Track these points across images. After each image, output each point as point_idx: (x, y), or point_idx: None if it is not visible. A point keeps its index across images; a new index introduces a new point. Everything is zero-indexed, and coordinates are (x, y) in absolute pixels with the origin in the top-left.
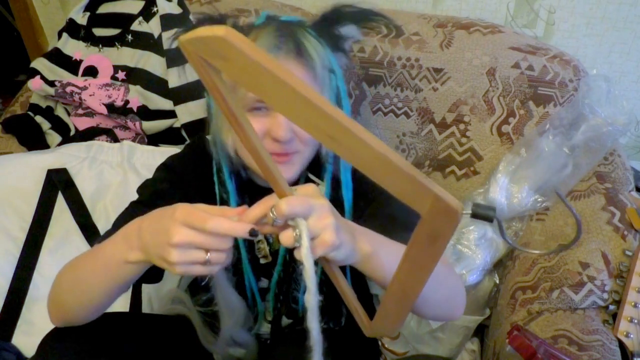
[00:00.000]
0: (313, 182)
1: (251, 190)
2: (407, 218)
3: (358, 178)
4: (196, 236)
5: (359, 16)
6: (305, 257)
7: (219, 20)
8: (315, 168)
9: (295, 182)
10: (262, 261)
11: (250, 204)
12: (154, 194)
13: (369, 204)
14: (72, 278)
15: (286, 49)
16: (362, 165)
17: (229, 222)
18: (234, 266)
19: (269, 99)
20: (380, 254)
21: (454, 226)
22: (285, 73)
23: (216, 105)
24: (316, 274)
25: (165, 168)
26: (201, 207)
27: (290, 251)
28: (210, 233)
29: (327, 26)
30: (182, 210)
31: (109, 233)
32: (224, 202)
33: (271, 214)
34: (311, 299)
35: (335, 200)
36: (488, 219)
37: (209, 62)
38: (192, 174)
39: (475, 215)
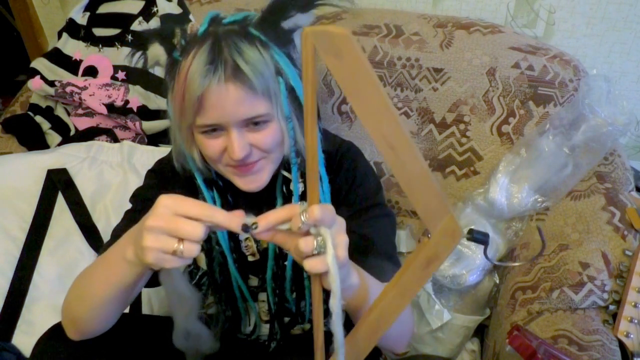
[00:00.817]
0: (288, 179)
1: (232, 190)
2: (383, 246)
3: (354, 185)
4: (170, 221)
5: (304, 2)
6: (332, 263)
7: (169, 33)
8: (286, 164)
9: (273, 182)
10: (250, 259)
11: (231, 203)
12: (145, 201)
13: (350, 215)
14: (80, 288)
15: (217, 76)
16: (404, 177)
17: (224, 213)
18: (219, 265)
19: (356, 101)
20: (366, 285)
21: (452, 249)
22: (378, 82)
23: (177, 127)
24: (306, 280)
25: (153, 174)
26: (192, 200)
27: (281, 247)
28: (196, 220)
29: (272, 21)
30: (168, 197)
31: (108, 244)
32: None
33: (302, 218)
34: (336, 303)
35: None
36: (482, 243)
37: (320, 55)
38: (178, 177)
39: (470, 239)
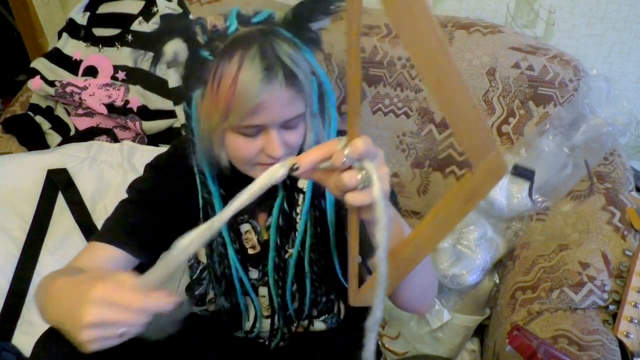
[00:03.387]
0: (292, 176)
1: (236, 181)
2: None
3: None
4: (111, 314)
5: (326, 6)
6: (379, 196)
7: (190, 28)
8: None
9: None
10: (250, 252)
11: (233, 194)
12: (140, 193)
13: None
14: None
15: (278, 82)
16: (451, 111)
17: (158, 299)
18: (220, 256)
19: (405, 33)
20: (398, 220)
21: (495, 184)
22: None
23: (207, 130)
24: (307, 274)
25: (151, 168)
26: (123, 281)
27: (282, 237)
28: (131, 310)
29: (300, 24)
30: (101, 288)
31: (103, 233)
32: (207, 202)
33: (346, 151)
34: (383, 236)
35: (315, 187)
36: (527, 178)
37: None
38: (176, 172)
39: (515, 174)
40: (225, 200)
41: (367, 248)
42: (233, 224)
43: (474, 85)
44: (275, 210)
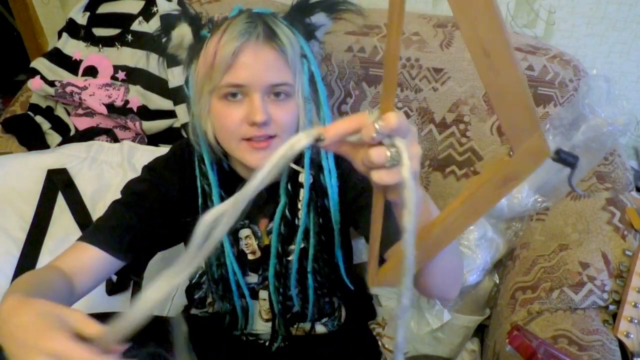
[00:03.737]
0: (296, 172)
1: (233, 181)
2: None
3: (346, 169)
4: None
5: (329, 4)
6: (409, 177)
7: (194, 16)
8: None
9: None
10: (250, 257)
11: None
12: (133, 195)
13: (360, 195)
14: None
15: (257, 33)
16: (495, 87)
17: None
18: (217, 259)
19: (464, 20)
20: (427, 201)
21: (535, 169)
22: None
23: (197, 97)
24: (310, 274)
25: (147, 170)
26: (84, 329)
27: (283, 244)
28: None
29: (299, 15)
30: (56, 342)
31: (90, 233)
32: (206, 194)
33: (376, 126)
34: (411, 219)
35: (318, 186)
36: (570, 165)
37: None
38: (174, 173)
39: (557, 160)
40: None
41: (385, 236)
42: (232, 228)
43: (474, 85)
44: (277, 217)
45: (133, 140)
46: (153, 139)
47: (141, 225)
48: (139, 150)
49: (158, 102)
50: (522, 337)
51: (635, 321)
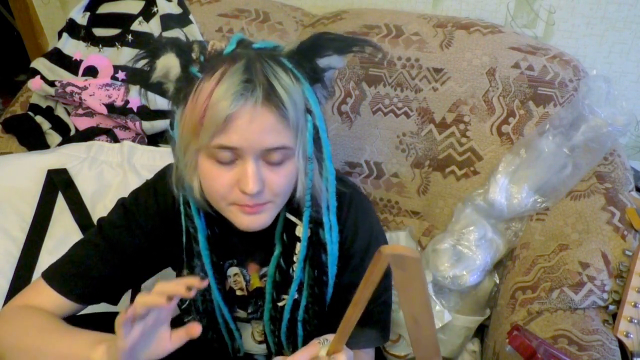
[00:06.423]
0: (292, 222)
1: (220, 222)
2: (380, 314)
3: (349, 235)
4: None
5: (343, 44)
6: None
7: (187, 45)
8: (293, 207)
9: (274, 223)
10: (238, 293)
11: (220, 237)
12: (104, 239)
13: (351, 269)
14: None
15: (254, 98)
16: (416, 340)
17: None
18: (202, 295)
19: (404, 296)
20: None
21: None
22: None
23: (183, 149)
24: (299, 323)
25: (122, 208)
26: None
27: (277, 290)
28: None
29: (308, 57)
30: None
31: (50, 271)
32: (190, 235)
33: None
34: None
35: (316, 242)
36: None
37: (392, 266)
38: (152, 212)
39: None
40: (212, 241)
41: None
42: (218, 267)
43: (474, 85)
44: (272, 265)
45: (133, 140)
46: (153, 139)
47: (109, 275)
48: (139, 150)
49: (158, 102)
50: (522, 337)
51: (635, 321)
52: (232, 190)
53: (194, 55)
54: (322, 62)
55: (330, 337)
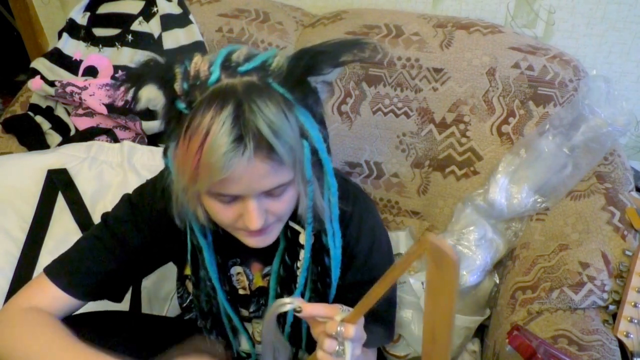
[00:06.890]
0: (294, 230)
1: (227, 239)
2: (385, 311)
3: (351, 240)
4: None
5: (336, 61)
6: None
7: (166, 72)
8: (295, 218)
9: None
10: (240, 292)
11: (223, 237)
12: (114, 237)
13: (354, 269)
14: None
15: (247, 156)
16: (428, 356)
17: None
18: (207, 295)
19: (431, 299)
20: None
21: None
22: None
23: (182, 189)
24: (303, 320)
25: (129, 204)
26: None
27: (282, 287)
28: None
29: (299, 76)
30: None
31: (53, 266)
32: (196, 248)
33: (339, 328)
34: None
35: (319, 248)
36: None
37: (427, 258)
38: (158, 208)
39: None
40: (216, 242)
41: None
42: (223, 267)
43: (474, 85)
44: (276, 261)
45: (133, 140)
46: (153, 139)
47: (113, 271)
48: (139, 150)
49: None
50: (522, 337)
51: (635, 321)
52: (238, 221)
53: (177, 88)
54: (316, 79)
55: (351, 309)
